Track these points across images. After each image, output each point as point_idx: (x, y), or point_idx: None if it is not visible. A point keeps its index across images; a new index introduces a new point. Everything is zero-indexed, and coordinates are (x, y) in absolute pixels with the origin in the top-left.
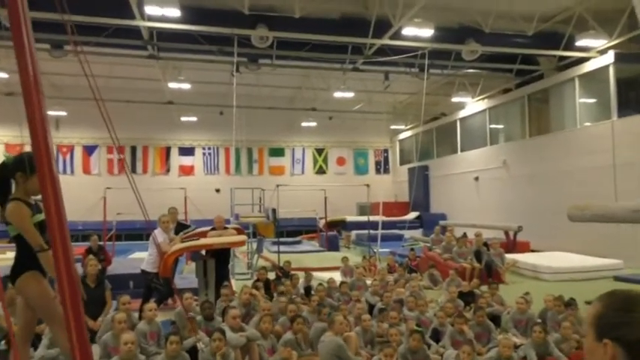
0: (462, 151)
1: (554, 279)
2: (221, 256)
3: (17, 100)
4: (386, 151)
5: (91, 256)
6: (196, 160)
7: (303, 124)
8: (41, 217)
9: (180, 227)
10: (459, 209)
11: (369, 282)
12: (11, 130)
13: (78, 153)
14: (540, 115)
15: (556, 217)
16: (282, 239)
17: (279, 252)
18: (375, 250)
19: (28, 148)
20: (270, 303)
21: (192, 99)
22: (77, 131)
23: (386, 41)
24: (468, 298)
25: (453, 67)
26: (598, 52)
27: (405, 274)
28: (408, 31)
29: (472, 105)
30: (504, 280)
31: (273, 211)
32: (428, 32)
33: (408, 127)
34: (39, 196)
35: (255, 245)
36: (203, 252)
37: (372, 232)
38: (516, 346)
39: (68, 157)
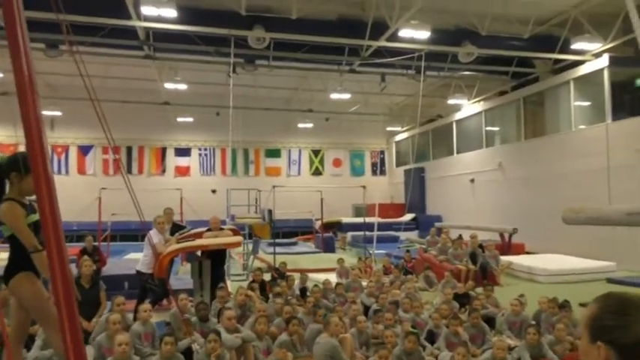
0: (457, 153)
1: (548, 281)
2: (217, 257)
3: (12, 99)
4: (382, 152)
5: (85, 257)
6: (192, 161)
7: (300, 125)
8: (35, 217)
9: (176, 228)
10: (454, 211)
11: (364, 283)
12: (5, 129)
13: (73, 153)
14: (536, 118)
15: (551, 219)
16: (278, 240)
17: (274, 253)
18: (371, 252)
19: (22, 148)
20: (266, 304)
21: (189, 99)
22: (72, 131)
23: (383, 43)
24: (463, 299)
25: (450, 69)
26: (593, 56)
27: (400, 275)
28: (404, 32)
29: (468, 107)
30: (499, 282)
31: (269, 212)
32: (424, 34)
33: (404, 128)
34: (33, 197)
35: (250, 246)
36: (199, 253)
37: (367, 233)
38: (510, 348)
39: (63, 157)
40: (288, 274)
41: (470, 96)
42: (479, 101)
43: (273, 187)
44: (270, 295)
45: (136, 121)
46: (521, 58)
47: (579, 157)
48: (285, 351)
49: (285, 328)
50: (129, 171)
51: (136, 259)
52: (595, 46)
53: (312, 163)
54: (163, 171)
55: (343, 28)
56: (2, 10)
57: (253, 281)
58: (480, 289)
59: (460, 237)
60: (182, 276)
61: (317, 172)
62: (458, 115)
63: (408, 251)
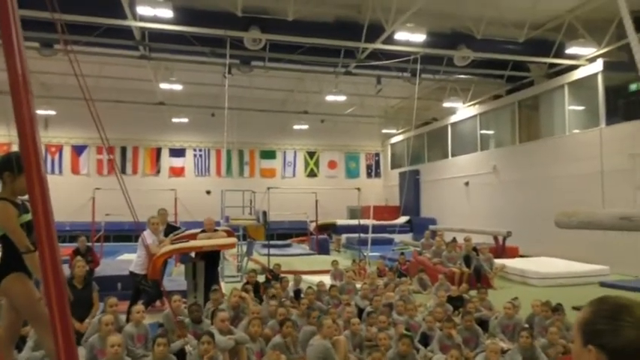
0: (452, 156)
1: (541, 284)
2: (210, 259)
3: (5, 98)
4: (377, 155)
5: (78, 257)
6: (187, 162)
7: (295, 126)
8: (28, 217)
9: (170, 229)
10: (449, 214)
11: (358, 286)
12: None
13: (67, 153)
14: (530, 122)
15: (545, 222)
16: (272, 242)
17: (269, 255)
18: (365, 254)
19: (15, 148)
20: (260, 306)
21: (184, 100)
22: (66, 131)
23: (378, 45)
24: (456, 302)
25: (445, 72)
26: (587, 60)
27: (394, 278)
28: (400, 35)
29: (463, 110)
30: (493, 285)
31: (264, 213)
32: (420, 37)
33: (399, 131)
34: (26, 196)
35: (245, 248)
36: (193, 254)
37: (362, 235)
38: (503, 351)
39: (57, 156)
40: (282, 275)
41: (465, 99)
42: (474, 104)
43: (268, 188)
44: (264, 297)
45: (131, 122)
46: (516, 62)
47: (573, 161)
48: (279, 353)
49: (278, 330)
50: (123, 171)
51: (130, 260)
52: (589, 51)
53: (307, 164)
54: (158, 171)
55: (339, 30)
56: None
57: (247, 283)
58: (473, 292)
59: (454, 240)
60: (176, 277)
61: (312, 174)
62: (453, 118)
63: (402, 254)
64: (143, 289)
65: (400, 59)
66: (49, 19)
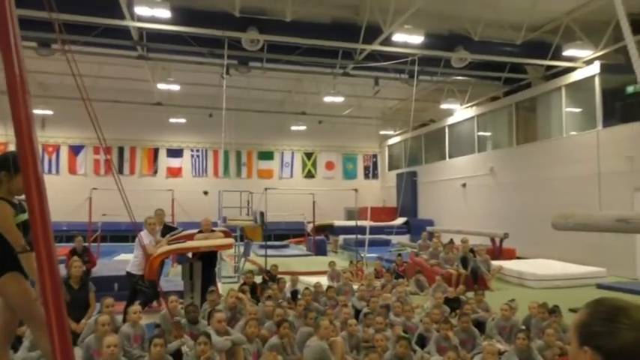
0: (450, 157)
1: (538, 286)
2: (207, 259)
3: (2, 98)
4: (375, 156)
5: (75, 258)
6: (184, 162)
7: (293, 127)
8: (25, 217)
9: (167, 229)
10: (446, 215)
11: (355, 287)
12: None
13: (64, 153)
14: (527, 124)
15: (542, 224)
16: (269, 243)
17: (266, 256)
18: (363, 255)
19: (12, 147)
20: (257, 307)
21: (182, 100)
22: (63, 131)
23: (376, 47)
24: (453, 304)
25: (442, 73)
26: (584, 63)
27: (391, 279)
28: (398, 37)
29: (460, 112)
30: (490, 286)
31: (261, 214)
32: (418, 39)
33: (397, 132)
34: (23, 196)
35: (242, 249)
36: (190, 255)
37: (359, 236)
38: (500, 353)
39: (54, 156)
40: (280, 276)
41: (462, 101)
42: (471, 106)
43: (266, 189)
44: (261, 298)
45: (128, 122)
46: (514, 64)
47: (570, 163)
48: (276, 354)
49: (275, 331)
50: (120, 171)
51: (127, 261)
52: (586, 54)
53: (304, 165)
54: (155, 172)
55: (337, 32)
56: None
57: (244, 284)
58: (470, 294)
59: (451, 241)
60: (173, 278)
61: (309, 175)
62: (450, 120)
63: (399, 255)
64: (140, 289)
65: (398, 61)
66: (46, 19)
